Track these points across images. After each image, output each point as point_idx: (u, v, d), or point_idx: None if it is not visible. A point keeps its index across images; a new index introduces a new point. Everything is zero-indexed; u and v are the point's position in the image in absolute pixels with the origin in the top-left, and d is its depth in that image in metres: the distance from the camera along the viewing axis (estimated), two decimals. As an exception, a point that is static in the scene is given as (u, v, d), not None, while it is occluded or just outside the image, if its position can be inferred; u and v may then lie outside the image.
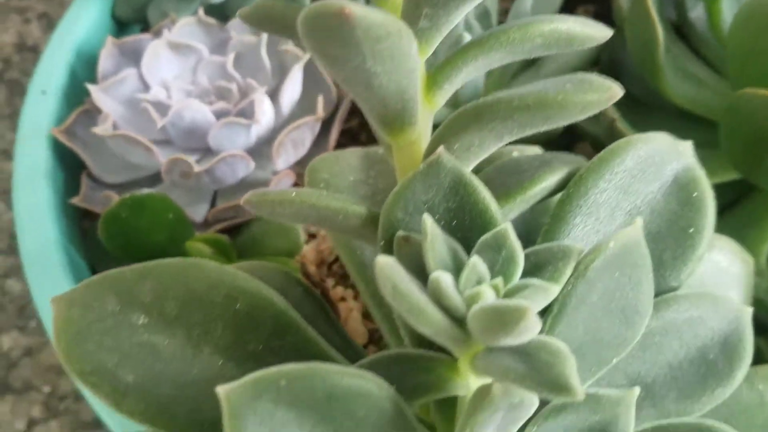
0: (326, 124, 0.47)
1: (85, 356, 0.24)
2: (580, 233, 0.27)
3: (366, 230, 0.26)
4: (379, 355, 0.25)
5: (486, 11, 0.42)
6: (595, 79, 0.23)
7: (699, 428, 0.26)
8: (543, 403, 0.23)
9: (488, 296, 0.22)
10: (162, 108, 0.45)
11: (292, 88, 0.46)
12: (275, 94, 0.46)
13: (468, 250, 0.24)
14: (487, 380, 0.23)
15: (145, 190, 0.43)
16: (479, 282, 0.22)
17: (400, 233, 0.25)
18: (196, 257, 0.33)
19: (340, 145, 0.48)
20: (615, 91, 0.23)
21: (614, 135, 0.38)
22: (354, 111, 0.50)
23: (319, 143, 0.47)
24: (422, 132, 0.26)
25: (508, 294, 0.22)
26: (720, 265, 0.31)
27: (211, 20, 0.49)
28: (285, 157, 0.45)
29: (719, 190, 0.29)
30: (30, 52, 0.69)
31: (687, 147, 0.29)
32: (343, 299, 0.43)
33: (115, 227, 0.40)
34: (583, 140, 0.44)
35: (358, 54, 0.22)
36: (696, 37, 0.43)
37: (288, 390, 0.21)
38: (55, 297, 0.25)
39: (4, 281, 0.56)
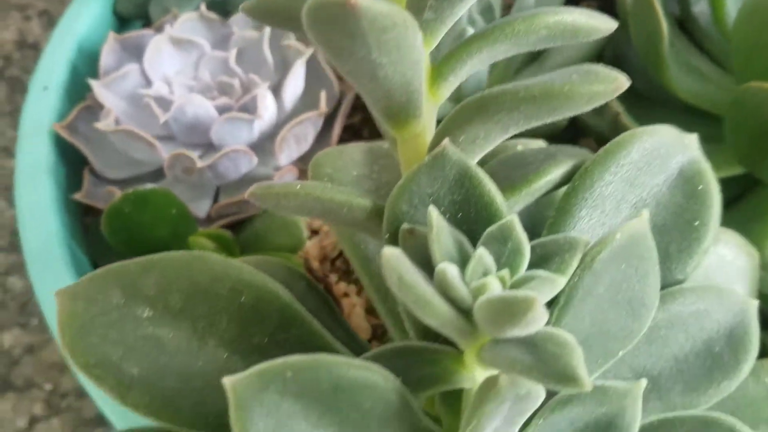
0: (329, 120, 0.47)
1: (90, 349, 0.24)
2: (585, 226, 0.27)
3: (371, 223, 0.26)
4: (385, 347, 0.24)
5: (489, 6, 0.42)
6: (601, 70, 0.23)
7: (705, 421, 0.26)
8: (549, 396, 0.23)
9: (495, 288, 0.22)
10: (164, 103, 0.45)
11: (295, 84, 0.46)
12: (278, 90, 0.46)
13: (473, 242, 0.24)
14: (493, 372, 0.23)
15: (148, 186, 0.43)
16: (485, 274, 0.22)
17: (405, 226, 0.25)
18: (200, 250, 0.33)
19: (343, 140, 0.48)
20: (621, 81, 0.23)
21: (618, 129, 0.38)
22: (356, 107, 0.50)
23: (321, 139, 0.47)
24: (427, 125, 0.26)
25: (515, 286, 0.22)
26: (725, 259, 0.31)
27: (213, 15, 0.49)
28: (288, 152, 0.45)
29: (724, 184, 0.29)
30: (30, 50, 0.69)
31: (692, 140, 0.28)
32: (346, 295, 0.43)
33: (118, 222, 0.40)
34: (586, 135, 0.44)
35: (363, 45, 0.22)
36: (699, 32, 0.43)
37: (294, 381, 0.20)
38: (59, 290, 0.25)
39: (6, 278, 0.56)
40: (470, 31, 0.41)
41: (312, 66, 0.48)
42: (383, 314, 0.32)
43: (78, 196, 0.45)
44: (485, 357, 0.22)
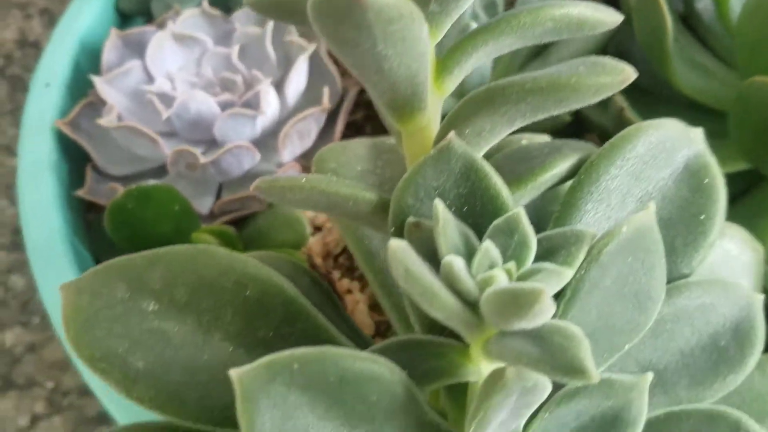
0: (331, 117, 0.47)
1: (95, 343, 0.24)
2: (591, 220, 0.27)
3: (376, 217, 0.26)
4: (390, 341, 0.24)
5: (493, 1, 0.42)
6: (608, 61, 0.23)
7: (711, 414, 0.26)
8: (555, 390, 0.23)
9: (501, 280, 0.22)
10: (167, 99, 0.45)
11: (298, 80, 0.46)
12: (280, 86, 0.46)
13: (479, 236, 0.24)
14: (499, 366, 0.23)
15: (151, 182, 0.43)
16: (492, 266, 0.22)
17: (411, 219, 0.24)
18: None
19: (345, 137, 0.48)
20: (628, 73, 0.23)
21: (622, 124, 0.38)
22: (359, 104, 0.50)
23: (324, 135, 0.47)
24: (432, 118, 0.26)
25: (521, 278, 0.22)
26: (730, 253, 0.31)
27: (216, 12, 0.49)
28: (291, 148, 0.45)
29: (729, 180, 0.29)
30: (31, 48, 0.69)
31: (698, 134, 0.28)
32: (349, 291, 0.43)
33: (121, 218, 0.40)
34: (590, 131, 0.44)
35: (369, 36, 0.21)
36: (703, 28, 0.43)
37: (301, 373, 0.20)
38: (64, 284, 0.25)
39: (8, 277, 0.56)
40: (473, 26, 0.41)
41: (315, 62, 0.48)
42: (388, 309, 0.32)
43: (81, 193, 0.45)
44: (492, 350, 0.22)
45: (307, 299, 0.27)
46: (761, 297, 0.28)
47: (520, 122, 0.25)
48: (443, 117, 0.27)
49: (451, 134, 0.24)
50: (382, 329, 0.42)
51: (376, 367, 0.22)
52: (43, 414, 0.51)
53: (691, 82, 0.39)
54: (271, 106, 0.44)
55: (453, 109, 0.26)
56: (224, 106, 0.45)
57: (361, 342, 0.29)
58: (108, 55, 0.48)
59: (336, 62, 0.49)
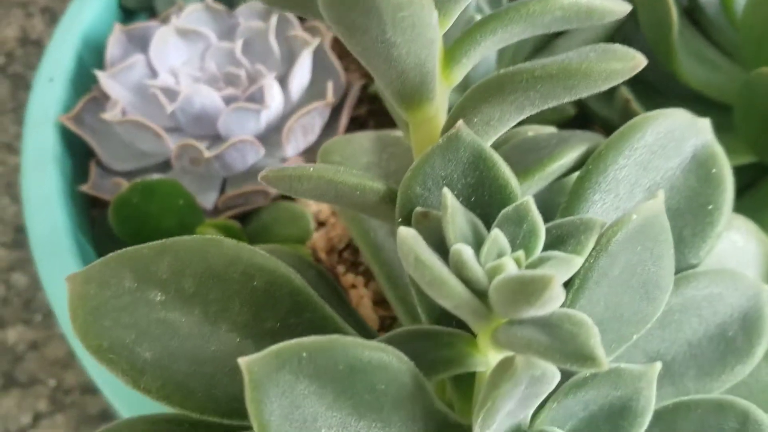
0: (335, 111, 0.47)
1: (102, 333, 0.24)
2: (599, 210, 0.26)
3: (383, 207, 0.26)
4: (398, 331, 0.24)
5: (497, -5, 0.42)
6: (619, 48, 0.23)
7: (719, 404, 0.26)
8: (563, 380, 0.23)
9: (510, 268, 0.21)
10: (171, 94, 0.45)
11: (301, 74, 0.46)
12: (284, 80, 0.46)
13: (487, 225, 0.23)
14: (508, 355, 0.23)
15: (155, 177, 0.43)
16: (500, 255, 0.22)
17: (419, 209, 0.24)
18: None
19: (349, 132, 0.48)
20: (639, 60, 0.23)
21: (628, 116, 0.38)
22: (363, 98, 0.50)
23: (328, 130, 0.46)
24: (440, 108, 0.26)
25: (530, 266, 0.22)
26: (737, 245, 0.31)
27: (219, 6, 0.49)
28: (294, 143, 0.44)
29: (735, 173, 0.29)
30: (33, 46, 0.69)
31: (705, 124, 0.28)
32: (353, 286, 0.43)
33: (126, 212, 0.40)
34: (595, 124, 0.44)
35: (378, 23, 0.21)
36: (707, 22, 0.43)
37: (309, 362, 0.20)
38: (71, 275, 0.25)
39: (10, 275, 0.56)
40: (478, 19, 0.41)
41: (318, 57, 0.48)
42: (394, 302, 0.32)
43: (84, 188, 0.45)
44: (500, 338, 0.22)
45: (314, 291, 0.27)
46: (769, 288, 0.28)
47: (529, 110, 0.25)
48: (449, 110, 0.27)
49: (460, 123, 0.24)
50: (387, 324, 0.42)
51: (384, 356, 0.22)
52: (45, 412, 0.51)
53: (696, 75, 0.39)
54: (275, 100, 0.44)
55: (461, 98, 0.26)
56: (228, 100, 0.44)
57: (366, 335, 0.29)
58: (112, 50, 0.48)
59: (340, 57, 0.49)
